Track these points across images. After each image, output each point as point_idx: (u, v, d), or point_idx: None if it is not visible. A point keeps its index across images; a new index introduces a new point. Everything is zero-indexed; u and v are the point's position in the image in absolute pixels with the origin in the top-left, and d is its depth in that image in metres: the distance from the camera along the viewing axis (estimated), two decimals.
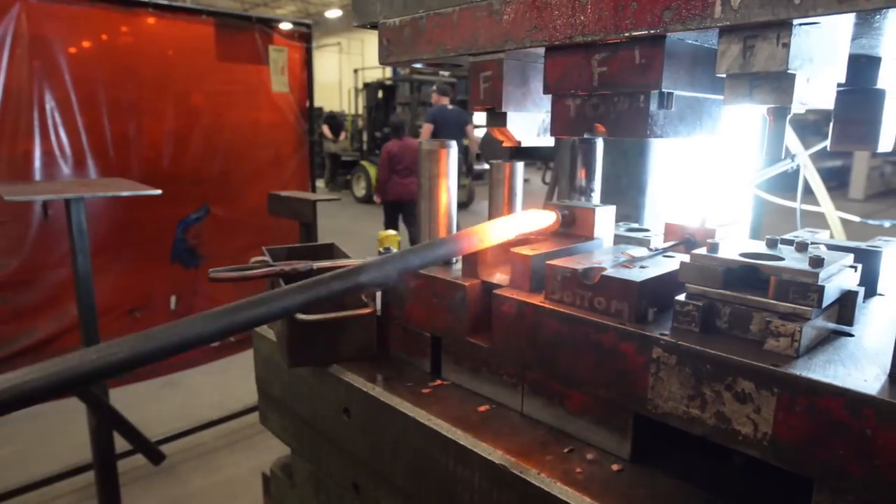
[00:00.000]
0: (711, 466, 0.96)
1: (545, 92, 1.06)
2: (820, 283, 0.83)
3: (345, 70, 29.74)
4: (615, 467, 0.95)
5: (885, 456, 0.70)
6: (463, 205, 14.44)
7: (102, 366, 0.76)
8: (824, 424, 0.75)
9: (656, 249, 1.14)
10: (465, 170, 12.85)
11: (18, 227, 3.46)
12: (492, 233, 1.18)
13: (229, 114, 4.24)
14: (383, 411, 1.20)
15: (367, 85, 17.45)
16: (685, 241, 1.21)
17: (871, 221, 2.18)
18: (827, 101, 0.89)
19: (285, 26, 4.47)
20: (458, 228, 1.36)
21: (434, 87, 10.33)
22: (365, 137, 16.70)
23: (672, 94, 0.95)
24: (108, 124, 3.73)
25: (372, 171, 15.35)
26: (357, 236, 11.81)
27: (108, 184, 3.03)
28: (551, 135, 1.10)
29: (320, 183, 18.10)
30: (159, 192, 2.67)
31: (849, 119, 1.15)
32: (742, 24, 0.77)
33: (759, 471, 0.93)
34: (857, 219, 2.15)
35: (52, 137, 3.52)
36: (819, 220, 2.08)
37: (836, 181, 15.86)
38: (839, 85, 1.11)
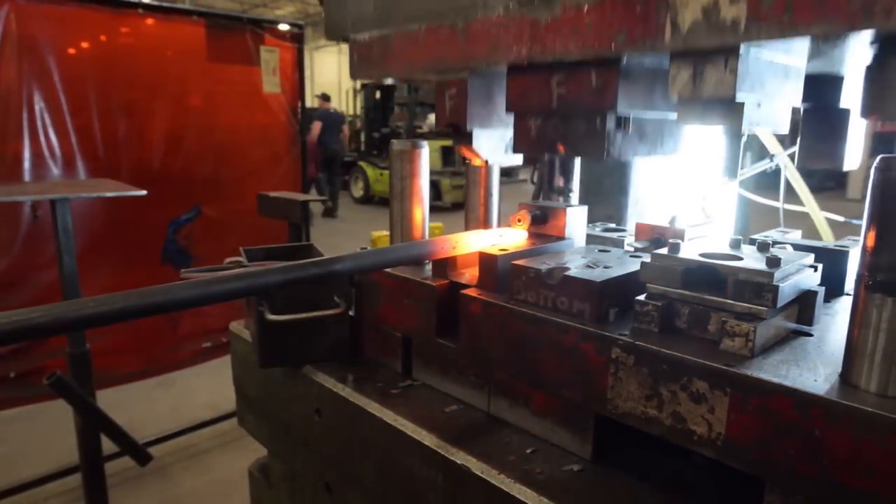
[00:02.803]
0: (673, 466, 0.96)
1: (507, 111, 1.07)
2: (775, 283, 0.82)
3: (344, 70, 29.74)
4: (575, 467, 0.95)
5: (833, 456, 0.70)
6: (460, 205, 14.43)
7: (100, 312, 0.81)
8: (775, 424, 0.75)
9: (628, 249, 1.14)
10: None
11: (8, 228, 3.46)
12: (466, 242, 1.20)
13: (221, 114, 4.23)
14: (352, 412, 1.20)
15: (364, 86, 17.44)
16: (654, 241, 1.21)
17: (855, 221, 2.18)
18: (782, 125, 0.91)
19: (278, 27, 4.47)
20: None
21: (320, 96, 13.50)
22: (363, 138, 16.68)
23: (629, 116, 0.96)
24: (98, 125, 3.72)
25: (370, 171, 15.35)
26: (353, 236, 11.81)
27: (94, 184, 3.03)
28: (515, 152, 1.10)
29: None
30: (144, 192, 2.67)
31: (815, 136, 1.15)
32: (691, 48, 0.78)
33: (719, 471, 0.92)
34: (841, 218, 2.14)
35: (42, 138, 3.52)
36: (810, 220, 2.07)
37: (834, 181, 15.84)
38: (805, 101, 1.11)
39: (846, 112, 1.09)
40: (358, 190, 15.87)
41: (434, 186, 14.21)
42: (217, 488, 3.84)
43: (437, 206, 14.06)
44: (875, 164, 0.72)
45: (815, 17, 0.65)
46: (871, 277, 0.72)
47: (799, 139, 1.16)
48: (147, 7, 3.86)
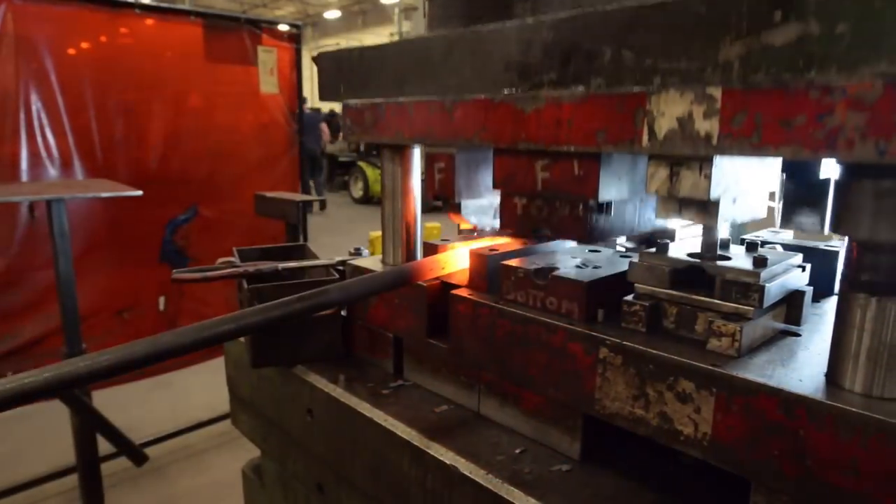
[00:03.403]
0: (662, 466, 0.96)
1: (494, 188, 1.09)
2: (761, 283, 0.82)
3: None
4: (564, 468, 0.95)
5: (817, 456, 0.70)
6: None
7: (92, 370, 0.86)
8: (760, 424, 0.75)
9: (619, 250, 1.14)
10: None
11: (4, 229, 3.46)
12: (455, 260, 1.20)
13: (218, 115, 4.24)
14: (343, 412, 1.20)
15: None
16: (645, 241, 1.21)
17: None
18: (759, 212, 0.93)
19: (275, 27, 4.47)
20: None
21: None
22: None
23: (611, 202, 0.98)
24: (95, 126, 3.73)
25: (370, 171, 15.35)
26: (351, 237, 11.79)
27: (89, 185, 3.03)
28: (500, 227, 1.12)
29: None
30: (139, 192, 2.67)
31: (795, 205, 1.16)
32: (667, 153, 0.80)
33: (708, 471, 0.92)
34: None
35: (39, 139, 3.52)
36: None
37: None
38: (784, 171, 1.11)
39: (826, 182, 1.11)
40: (357, 190, 15.89)
41: None
42: (214, 488, 3.84)
43: (437, 207, 14.06)
44: None
45: (782, 141, 0.68)
46: (855, 277, 0.72)
47: (781, 203, 1.17)
48: (144, 7, 3.86)
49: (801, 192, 1.13)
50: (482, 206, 1.25)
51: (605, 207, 0.98)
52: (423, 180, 1.31)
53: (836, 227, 0.74)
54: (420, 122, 1.14)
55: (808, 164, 1.07)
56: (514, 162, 1.02)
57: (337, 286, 1.06)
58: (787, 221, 1.17)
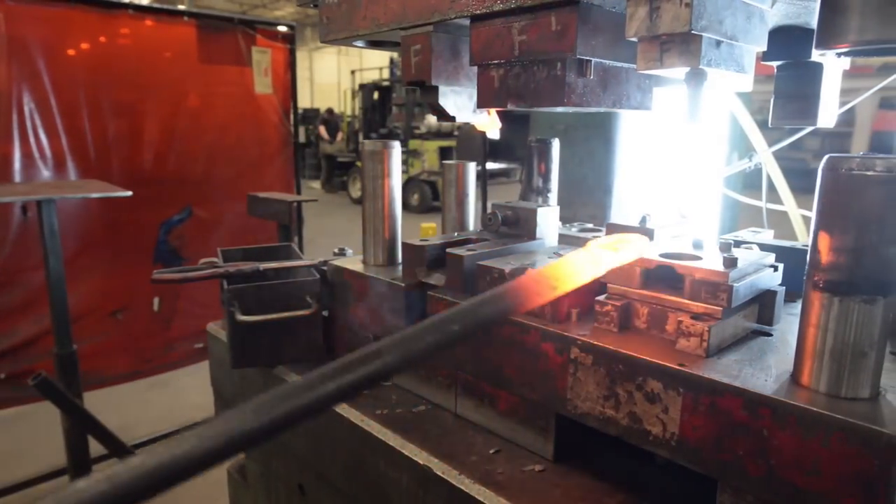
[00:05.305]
0: (634, 467, 0.96)
1: (471, 63, 1.05)
2: (729, 283, 0.82)
3: (343, 71, 29.79)
4: (537, 468, 0.95)
5: (780, 455, 0.70)
6: None
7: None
8: (725, 424, 0.75)
9: None
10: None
11: None
12: (569, 272, 0.74)
13: (212, 115, 4.23)
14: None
15: (362, 86, 17.44)
16: None
17: None
18: (746, 67, 0.87)
19: (269, 28, 4.47)
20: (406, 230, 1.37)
21: None
22: (361, 139, 16.67)
23: (590, 61, 0.93)
24: (88, 126, 3.72)
25: None
26: (350, 237, 11.80)
27: (80, 185, 3.03)
28: (479, 107, 1.07)
29: (316, 184, 18.09)
30: (129, 193, 2.67)
31: (788, 94, 1.12)
32: None
33: (681, 471, 0.92)
34: None
35: (32, 140, 3.52)
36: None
37: None
38: (777, 59, 1.10)
39: (819, 66, 1.08)
40: (356, 190, 15.87)
41: (432, 187, 14.20)
42: (208, 488, 3.82)
43: (436, 207, 14.06)
44: (822, 164, 0.72)
45: None
46: (818, 277, 0.72)
47: (773, 99, 1.14)
48: (137, 8, 3.86)
49: (792, 84, 1.10)
50: (461, 99, 1.17)
51: (585, 68, 0.93)
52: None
53: (826, 39, 0.69)
54: (395, 4, 1.09)
55: (800, 43, 1.04)
56: (491, 30, 0.98)
57: (391, 344, 0.66)
58: (779, 115, 1.13)
